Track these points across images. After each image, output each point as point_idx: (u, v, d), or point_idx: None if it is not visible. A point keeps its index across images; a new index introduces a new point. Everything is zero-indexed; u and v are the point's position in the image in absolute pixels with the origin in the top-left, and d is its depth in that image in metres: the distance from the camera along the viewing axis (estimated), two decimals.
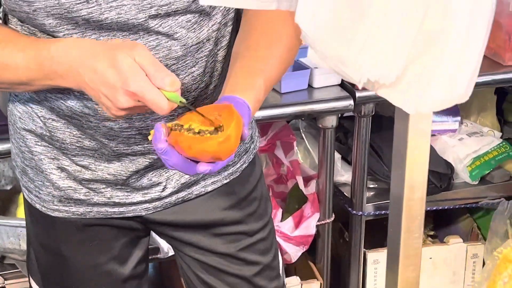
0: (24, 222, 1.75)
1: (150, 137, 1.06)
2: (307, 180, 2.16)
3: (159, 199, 1.35)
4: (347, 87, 2.04)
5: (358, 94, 2.01)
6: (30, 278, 1.49)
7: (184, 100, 1.05)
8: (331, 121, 2.02)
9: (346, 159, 2.36)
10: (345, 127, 2.37)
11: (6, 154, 1.77)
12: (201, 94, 1.25)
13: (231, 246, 1.41)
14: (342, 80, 2.07)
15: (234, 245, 1.42)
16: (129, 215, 1.36)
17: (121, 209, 1.35)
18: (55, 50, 1.08)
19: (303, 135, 2.35)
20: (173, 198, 1.36)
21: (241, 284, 1.44)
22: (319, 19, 0.66)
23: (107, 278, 1.42)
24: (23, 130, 1.31)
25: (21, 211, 1.96)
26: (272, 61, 1.19)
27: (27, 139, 1.31)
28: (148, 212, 1.36)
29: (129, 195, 1.34)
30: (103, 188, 1.32)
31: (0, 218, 1.84)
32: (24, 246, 1.82)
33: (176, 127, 1.04)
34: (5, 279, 1.88)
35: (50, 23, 1.12)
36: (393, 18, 0.62)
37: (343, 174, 2.31)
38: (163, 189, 1.34)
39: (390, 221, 0.76)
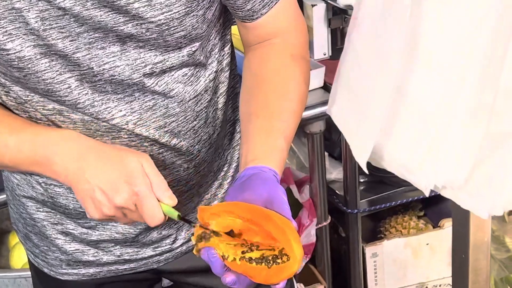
0: (23, 273, 1.73)
1: (193, 239, 1.01)
2: (299, 184, 2.14)
3: (170, 251, 1.32)
4: (330, 89, 2.01)
5: None
6: None
7: (179, 213, 1.03)
8: (319, 126, 1.99)
9: (332, 155, 2.34)
10: (328, 123, 2.34)
11: None
12: (204, 145, 1.21)
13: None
14: (325, 82, 2.04)
15: None
16: (141, 269, 1.32)
17: (132, 265, 1.31)
18: (57, 136, 1.05)
19: None
20: (184, 247, 1.32)
21: None
22: (371, 120, 0.63)
23: None
24: (23, 197, 1.26)
25: (15, 257, 1.91)
26: (287, 117, 1.13)
27: (27, 206, 1.26)
28: (160, 265, 1.33)
29: (139, 251, 1.30)
30: (112, 246, 1.28)
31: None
32: None
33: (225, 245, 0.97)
34: None
35: (42, 88, 1.07)
36: (458, 123, 0.59)
37: (332, 172, 2.29)
38: (174, 241, 1.31)
39: None
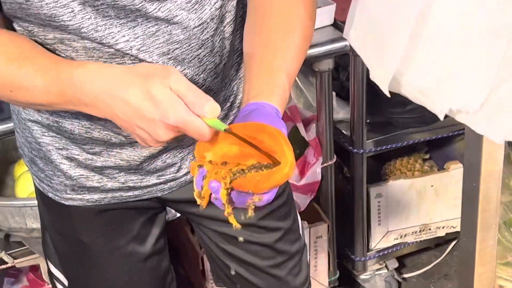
0: (29, 202, 1.74)
1: (193, 173, 0.99)
2: (306, 123, 2.13)
3: (174, 179, 1.32)
4: (341, 27, 1.99)
5: None
6: (48, 262, 1.47)
7: (226, 126, 0.97)
8: (327, 64, 1.97)
9: (340, 95, 2.33)
10: (337, 62, 2.32)
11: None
12: (210, 75, 1.19)
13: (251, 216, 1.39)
14: (335, 19, 2.01)
15: (254, 214, 1.40)
16: (145, 197, 1.33)
17: (136, 192, 1.32)
18: (78, 77, 1.00)
19: None
20: (188, 176, 1.33)
21: (264, 251, 1.43)
22: (387, 45, 0.62)
23: (128, 259, 1.40)
24: (28, 121, 1.26)
25: (20, 187, 1.92)
26: (290, 53, 1.12)
27: (33, 130, 1.26)
28: (164, 193, 1.33)
29: (144, 178, 1.30)
30: (116, 173, 1.28)
31: (4, 200, 1.79)
32: (30, 225, 1.78)
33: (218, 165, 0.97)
34: (14, 258, 1.85)
35: (45, 13, 1.05)
36: (475, 46, 0.58)
37: (339, 112, 2.27)
38: (178, 170, 1.31)
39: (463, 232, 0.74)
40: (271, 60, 1.10)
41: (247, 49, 1.15)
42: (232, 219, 1.00)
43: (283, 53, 1.11)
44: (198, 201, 1.01)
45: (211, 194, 0.98)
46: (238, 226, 1.00)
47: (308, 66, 2.07)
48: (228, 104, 1.30)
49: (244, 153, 0.98)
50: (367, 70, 2.04)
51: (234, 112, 1.31)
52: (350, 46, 1.95)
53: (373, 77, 0.66)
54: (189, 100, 0.95)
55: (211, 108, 0.95)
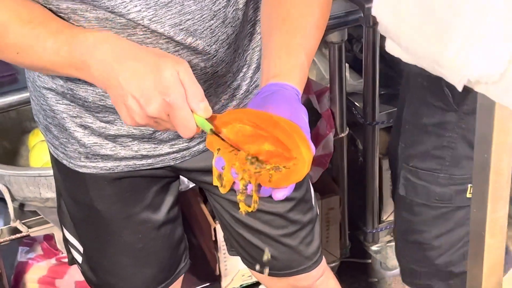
0: (43, 172, 1.75)
1: (210, 148, 1.01)
2: (318, 95, 2.13)
3: (187, 149, 1.33)
4: None
5: (366, 6, 1.95)
6: (64, 229, 1.49)
7: (212, 127, 1.00)
8: (340, 36, 1.97)
9: (353, 67, 2.32)
10: (350, 34, 2.31)
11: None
12: (222, 46, 1.19)
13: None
14: None
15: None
16: (158, 166, 1.34)
17: (149, 161, 1.33)
18: (92, 39, 1.02)
19: None
20: (201, 146, 1.33)
21: (276, 220, 1.44)
22: (404, 14, 0.62)
23: (142, 226, 1.41)
24: (43, 88, 1.27)
25: (35, 157, 1.93)
26: (309, 31, 1.12)
27: (47, 97, 1.27)
28: (177, 162, 1.34)
29: (157, 147, 1.31)
30: (129, 141, 1.29)
31: (18, 169, 1.80)
32: (44, 194, 1.80)
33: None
34: (29, 227, 1.87)
35: None
36: (494, 15, 0.58)
37: (352, 83, 2.27)
38: (191, 139, 1.31)
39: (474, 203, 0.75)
40: (290, 38, 1.11)
41: (264, 23, 1.16)
42: (242, 206, 1.03)
43: (301, 31, 1.12)
44: (217, 183, 1.02)
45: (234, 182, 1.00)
46: (244, 212, 1.04)
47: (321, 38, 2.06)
48: (241, 74, 1.30)
49: (259, 134, 0.99)
50: (381, 42, 2.05)
51: (246, 82, 1.31)
52: (366, 16, 1.95)
53: (389, 48, 0.66)
54: (189, 91, 0.98)
55: (205, 106, 0.99)
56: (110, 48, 1.01)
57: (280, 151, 0.97)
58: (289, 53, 1.09)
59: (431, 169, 1.65)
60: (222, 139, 1.00)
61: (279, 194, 1.00)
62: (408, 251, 1.79)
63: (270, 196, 1.01)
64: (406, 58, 0.81)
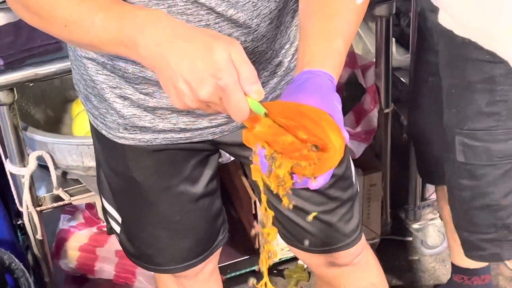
0: (86, 140, 1.76)
1: (249, 144, 1.02)
2: (363, 69, 2.10)
3: (226, 123, 1.31)
4: None
5: None
6: (102, 199, 1.50)
7: (265, 110, 0.96)
8: (388, 9, 1.93)
9: (400, 41, 2.28)
10: (398, 8, 2.26)
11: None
12: (264, 20, 1.17)
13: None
14: None
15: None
16: (196, 140, 1.33)
17: (187, 135, 1.32)
18: (143, 17, 0.97)
19: None
20: (240, 122, 1.32)
21: (315, 197, 1.42)
22: None
23: (180, 198, 1.41)
24: (84, 58, 1.26)
25: (78, 125, 1.94)
26: (348, 16, 1.08)
27: (88, 67, 1.26)
28: (215, 136, 1.33)
29: (195, 121, 1.30)
30: (168, 114, 1.29)
31: (62, 138, 1.82)
32: (87, 163, 1.81)
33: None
34: (71, 196, 1.89)
35: None
36: None
37: (398, 58, 2.23)
38: None
39: None
40: (327, 22, 1.08)
41: (302, 8, 1.13)
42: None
43: (339, 15, 1.09)
44: (276, 191, 1.04)
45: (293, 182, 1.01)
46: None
47: (368, 11, 2.02)
48: (283, 51, 1.28)
49: (291, 125, 0.98)
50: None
51: (288, 59, 1.29)
52: None
53: (442, 20, 0.63)
54: (242, 74, 0.94)
55: (258, 89, 0.95)
56: (161, 27, 0.97)
57: (314, 140, 0.96)
58: (325, 38, 1.06)
59: (487, 128, 1.60)
60: (276, 123, 0.98)
61: (315, 183, 0.98)
62: (473, 220, 1.74)
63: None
64: (458, 31, 0.78)
